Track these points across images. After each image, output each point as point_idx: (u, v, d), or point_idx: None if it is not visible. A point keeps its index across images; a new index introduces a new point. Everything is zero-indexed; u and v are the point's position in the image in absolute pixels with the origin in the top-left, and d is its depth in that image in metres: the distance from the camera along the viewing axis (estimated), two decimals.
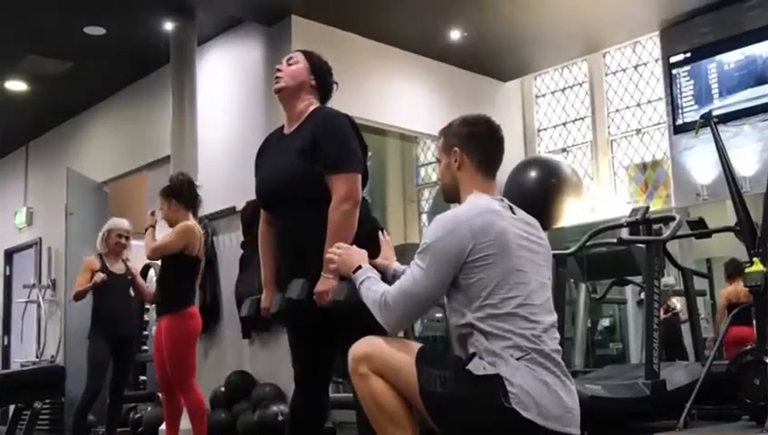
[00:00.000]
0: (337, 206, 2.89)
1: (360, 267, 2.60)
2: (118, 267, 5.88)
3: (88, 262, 5.88)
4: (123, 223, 6.00)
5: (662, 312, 6.60)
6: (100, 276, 5.67)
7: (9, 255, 11.47)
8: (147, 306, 8.30)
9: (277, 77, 3.16)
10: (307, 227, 2.95)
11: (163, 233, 5.03)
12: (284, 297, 2.97)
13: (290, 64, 3.18)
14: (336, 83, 3.33)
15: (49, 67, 8.47)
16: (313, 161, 2.94)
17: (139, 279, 6.03)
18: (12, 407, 3.10)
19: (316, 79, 3.20)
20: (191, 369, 4.94)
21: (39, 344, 9.92)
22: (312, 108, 3.15)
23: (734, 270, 6.99)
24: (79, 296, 5.78)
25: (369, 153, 11.44)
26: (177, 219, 4.92)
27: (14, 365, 10.13)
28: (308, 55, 3.23)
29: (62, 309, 8.82)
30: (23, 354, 10.10)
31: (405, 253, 3.41)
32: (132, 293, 6.06)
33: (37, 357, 9.67)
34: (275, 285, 3.16)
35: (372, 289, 2.50)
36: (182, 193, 4.95)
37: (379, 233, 2.98)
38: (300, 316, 2.99)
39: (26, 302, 10.09)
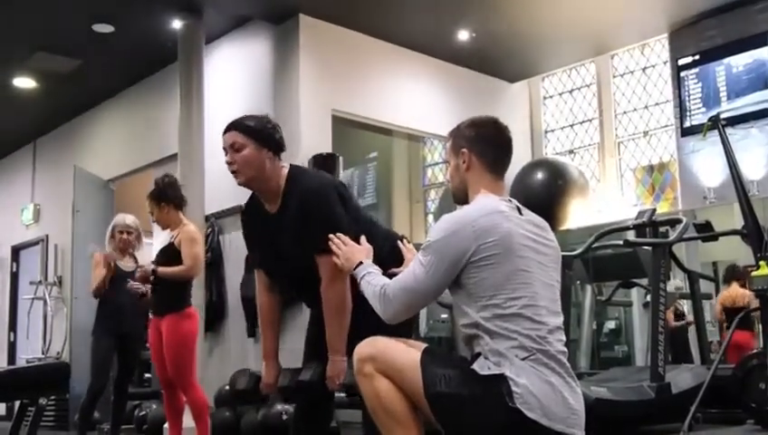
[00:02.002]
0: (328, 286, 2.88)
1: (361, 263, 2.62)
2: (125, 264, 5.87)
3: (99, 257, 5.87)
4: (124, 218, 5.94)
5: (672, 317, 6.60)
6: (112, 256, 5.65)
7: (16, 251, 11.50)
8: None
9: (233, 171, 2.97)
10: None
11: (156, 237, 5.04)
12: (297, 378, 2.98)
13: (237, 150, 2.95)
14: (280, 132, 3.04)
15: (57, 64, 8.49)
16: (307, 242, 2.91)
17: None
18: (17, 403, 3.10)
19: (268, 147, 2.97)
20: (192, 368, 4.96)
21: (45, 341, 9.95)
22: (283, 180, 3.00)
23: (730, 274, 6.99)
24: (99, 290, 5.77)
25: (375, 153, 11.41)
26: (169, 220, 4.98)
27: (20, 362, 10.16)
28: (246, 129, 2.96)
29: (68, 306, 8.84)
30: (29, 351, 10.13)
31: None
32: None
33: (43, 354, 9.70)
34: (276, 358, 3.15)
35: (372, 282, 2.52)
36: (169, 194, 4.99)
37: (399, 242, 2.99)
38: (308, 397, 3.01)
39: (32, 298, 10.12)
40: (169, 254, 4.94)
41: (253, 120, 2.98)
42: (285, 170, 3.01)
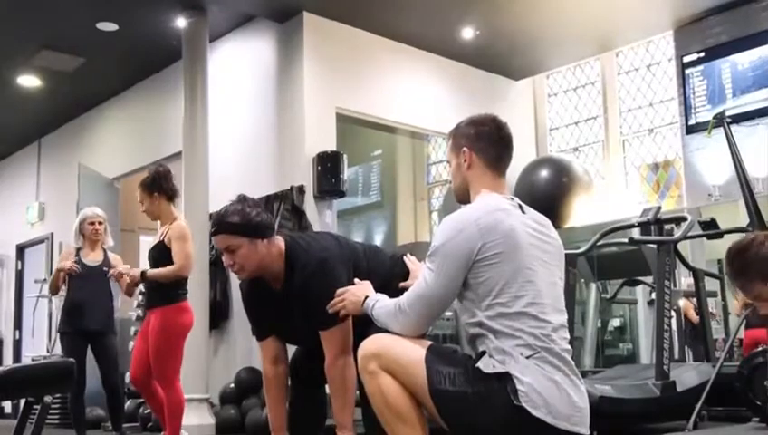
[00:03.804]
0: (333, 364, 2.95)
1: (366, 297, 2.60)
2: (92, 259, 5.78)
3: (64, 253, 5.81)
4: (93, 210, 5.85)
5: (694, 314, 6.54)
6: (68, 264, 5.53)
7: (21, 249, 11.53)
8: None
9: (235, 272, 3.04)
10: None
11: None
12: None
13: (232, 251, 2.99)
14: (263, 214, 3.07)
15: (62, 63, 8.50)
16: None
17: (124, 278, 5.40)
18: (22, 401, 3.11)
19: (260, 236, 3.00)
20: (176, 365, 4.77)
21: (50, 339, 9.95)
22: (282, 259, 3.04)
23: None
24: (51, 288, 5.73)
25: (380, 151, 11.40)
26: (160, 212, 4.85)
27: (25, 360, 10.17)
28: (234, 229, 2.99)
29: None
30: (33, 349, 10.14)
31: (415, 251, 3.40)
32: (112, 285, 5.81)
33: (48, 352, 9.70)
34: (284, 431, 3.17)
35: (384, 306, 2.51)
36: (162, 185, 4.86)
37: (404, 259, 3.00)
38: None
39: (37, 297, 10.12)
40: (161, 251, 4.76)
41: (236, 214, 2.98)
42: (282, 247, 3.04)
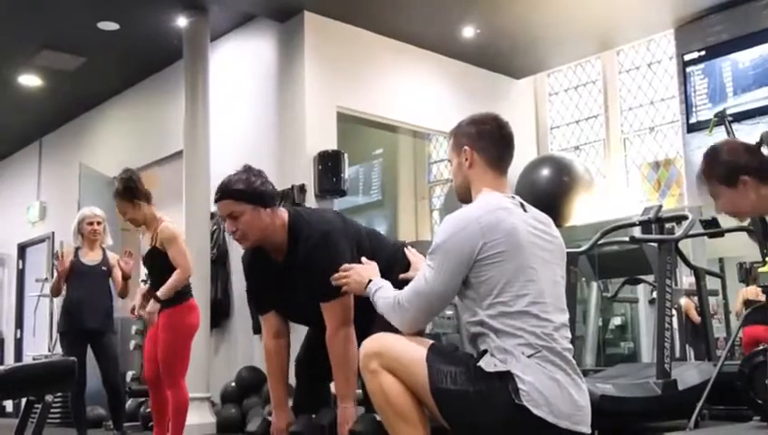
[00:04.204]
0: (334, 335, 2.95)
1: (370, 281, 2.62)
2: (91, 258, 5.78)
3: (66, 252, 5.81)
4: (92, 209, 5.86)
5: (696, 314, 6.54)
6: (63, 264, 5.54)
7: (22, 249, 11.54)
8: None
9: (237, 239, 3.02)
10: None
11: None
12: (311, 422, 3.02)
13: (235, 218, 2.98)
14: (269, 184, 3.09)
15: (63, 62, 8.51)
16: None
17: (116, 270, 5.78)
18: (24, 400, 3.11)
19: (264, 205, 3.00)
20: (184, 365, 4.80)
21: (51, 338, 9.96)
22: (285, 230, 3.03)
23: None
24: (53, 292, 5.73)
25: (381, 150, 11.40)
26: (144, 217, 4.78)
27: (27, 359, 10.18)
28: (238, 195, 3.00)
29: None
30: (35, 348, 10.15)
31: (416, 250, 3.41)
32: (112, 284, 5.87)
33: (49, 351, 9.71)
34: (286, 406, 3.18)
35: (385, 296, 2.52)
36: (139, 189, 4.79)
37: (405, 250, 3.00)
38: None
39: (39, 296, 10.13)
40: (155, 257, 4.75)
41: (240, 182, 2.99)
42: (285, 218, 3.03)
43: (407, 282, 2.55)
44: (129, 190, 4.74)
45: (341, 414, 2.95)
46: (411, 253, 2.98)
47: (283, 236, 3.01)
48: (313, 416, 3.09)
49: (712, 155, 2.91)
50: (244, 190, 2.97)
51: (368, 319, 2.63)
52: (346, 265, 2.72)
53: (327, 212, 3.24)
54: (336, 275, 2.70)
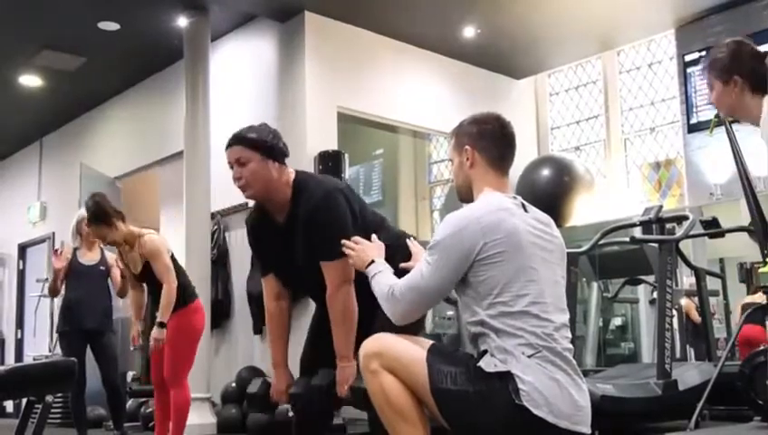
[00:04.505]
0: (333, 294, 2.93)
1: (372, 262, 2.62)
2: (89, 258, 5.77)
3: (65, 251, 5.82)
4: None
5: (696, 314, 6.54)
6: (60, 261, 5.54)
7: (22, 249, 11.54)
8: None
9: (241, 186, 3.01)
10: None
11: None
12: (309, 383, 3.00)
13: (242, 164, 2.99)
14: (282, 141, 3.11)
15: (63, 62, 8.51)
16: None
17: (114, 270, 5.80)
18: (24, 400, 3.11)
19: (273, 158, 3.01)
20: (188, 366, 4.87)
21: (52, 338, 9.95)
22: (289, 187, 3.03)
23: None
24: (51, 292, 5.73)
25: (381, 150, 11.40)
26: (122, 236, 4.77)
27: (27, 359, 10.18)
28: (249, 142, 3.01)
29: None
30: (35, 348, 10.15)
31: None
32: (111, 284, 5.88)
33: (50, 351, 9.71)
34: (286, 366, 3.17)
35: (382, 282, 2.53)
36: (111, 209, 4.81)
37: (408, 241, 3.00)
38: (319, 404, 3.01)
39: (39, 296, 10.12)
40: (148, 269, 4.79)
41: (254, 131, 3.02)
42: (291, 177, 3.03)
43: (406, 271, 2.56)
44: (101, 214, 4.78)
45: (340, 373, 2.92)
46: (414, 244, 2.98)
47: (286, 193, 3.00)
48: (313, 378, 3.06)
49: (728, 46, 3.01)
50: (256, 139, 2.99)
51: (373, 300, 2.61)
52: (356, 238, 2.73)
53: (334, 179, 3.23)
54: (345, 241, 2.71)
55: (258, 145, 2.98)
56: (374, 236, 2.81)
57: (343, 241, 2.73)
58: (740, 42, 3.07)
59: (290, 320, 3.23)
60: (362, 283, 2.73)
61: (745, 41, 3.09)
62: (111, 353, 5.74)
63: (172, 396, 4.76)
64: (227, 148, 3.03)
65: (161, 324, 4.69)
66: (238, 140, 3.01)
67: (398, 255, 2.88)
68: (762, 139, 3.00)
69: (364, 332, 2.75)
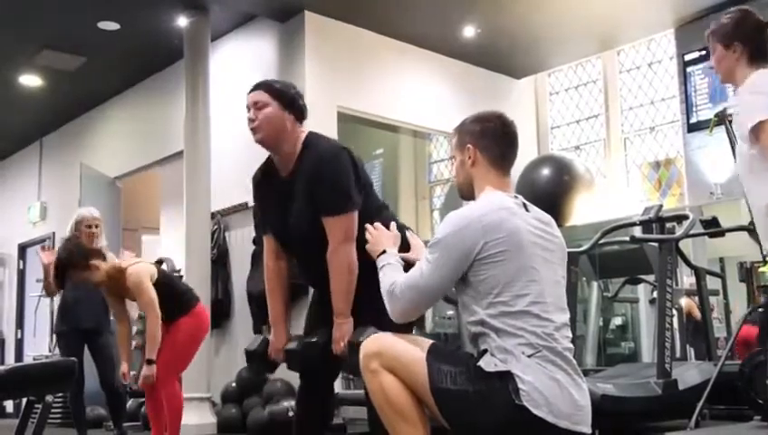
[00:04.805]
0: (335, 249, 2.92)
1: (384, 252, 2.63)
2: None
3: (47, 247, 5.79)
4: (89, 211, 5.81)
5: (697, 313, 6.54)
6: (47, 258, 5.45)
7: (23, 249, 11.53)
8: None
9: (252, 128, 3.04)
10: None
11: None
12: (305, 341, 2.98)
13: (259, 108, 3.03)
14: (303, 100, 3.17)
15: (63, 62, 8.51)
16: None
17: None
18: (24, 400, 3.11)
19: (291, 111, 3.07)
20: (182, 367, 4.88)
21: (51, 338, 9.95)
22: (300, 143, 3.08)
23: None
24: (45, 289, 5.71)
25: (381, 150, 11.37)
26: (107, 275, 4.70)
27: (27, 359, 10.18)
28: (272, 90, 3.07)
29: None
30: (35, 348, 10.15)
31: None
32: None
33: (50, 351, 9.71)
34: (284, 323, 3.16)
35: (386, 277, 2.54)
36: (86, 253, 4.75)
37: (407, 233, 3.00)
38: (315, 361, 2.99)
39: (39, 296, 10.10)
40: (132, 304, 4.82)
41: (278, 83, 3.11)
42: (303, 136, 3.10)
43: (408, 263, 2.60)
44: (77, 259, 4.69)
45: (337, 330, 2.90)
46: (413, 236, 2.98)
47: (295, 148, 3.05)
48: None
49: (734, 14, 3.20)
50: (279, 89, 3.07)
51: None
52: (378, 224, 2.76)
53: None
54: (367, 226, 2.76)
55: (279, 94, 3.05)
56: (393, 225, 2.82)
57: (366, 226, 2.76)
58: (746, 11, 3.22)
59: (288, 280, 3.23)
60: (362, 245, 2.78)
61: (751, 10, 3.23)
62: (108, 353, 5.73)
63: (164, 397, 4.73)
64: (250, 91, 3.10)
65: (149, 362, 4.62)
66: (262, 85, 3.09)
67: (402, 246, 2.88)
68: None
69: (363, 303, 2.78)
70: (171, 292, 4.85)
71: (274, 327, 3.17)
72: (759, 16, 3.22)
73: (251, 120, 3.03)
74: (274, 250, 3.17)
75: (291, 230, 3.06)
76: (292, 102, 3.07)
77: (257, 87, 3.08)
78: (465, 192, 2.62)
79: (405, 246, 2.87)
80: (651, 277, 6.05)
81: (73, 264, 4.68)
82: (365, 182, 3.08)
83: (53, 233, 10.55)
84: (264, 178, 3.21)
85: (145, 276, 4.69)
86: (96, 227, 5.71)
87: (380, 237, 2.72)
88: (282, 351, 3.12)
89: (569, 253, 2.79)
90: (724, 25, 3.18)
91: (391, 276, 2.52)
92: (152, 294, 4.66)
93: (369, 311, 2.73)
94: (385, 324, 2.55)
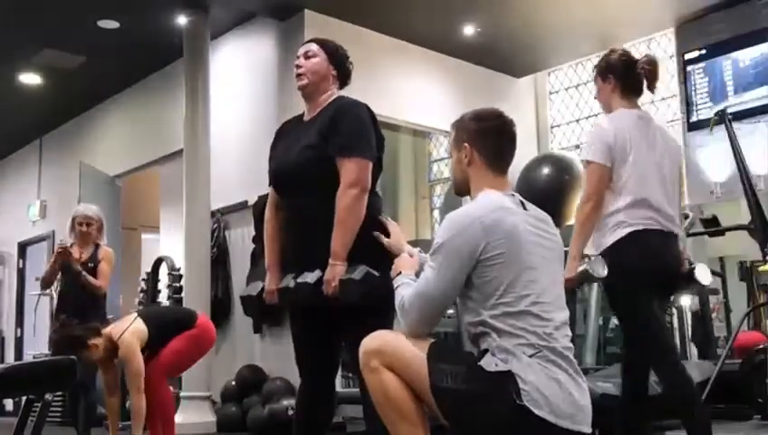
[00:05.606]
0: (345, 190, 2.91)
1: (400, 273, 2.62)
2: (82, 256, 5.75)
3: (57, 247, 5.80)
4: (86, 208, 5.80)
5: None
6: (64, 255, 5.46)
7: (22, 247, 11.54)
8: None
9: (298, 74, 3.16)
10: (318, 211, 2.95)
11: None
12: (296, 280, 2.97)
13: (308, 57, 3.17)
14: (351, 64, 3.36)
15: (63, 61, 8.51)
16: (327, 145, 2.97)
17: (102, 264, 5.65)
18: (23, 398, 3.11)
19: (336, 68, 3.23)
20: (176, 373, 5.01)
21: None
22: (332, 97, 3.19)
23: None
24: (44, 282, 5.71)
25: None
26: (107, 350, 4.73)
27: (27, 357, 10.18)
28: (324, 45, 3.23)
29: None
30: (35, 346, 10.14)
31: None
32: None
33: (49, 349, 9.72)
34: (280, 267, 3.14)
35: (399, 293, 2.52)
36: (82, 337, 4.72)
37: (381, 218, 2.99)
38: (307, 300, 2.95)
39: (39, 294, 10.10)
40: (155, 342, 4.84)
41: (333, 42, 3.28)
42: (337, 94, 3.23)
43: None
44: (75, 343, 4.67)
45: (329, 271, 2.87)
46: (389, 222, 2.96)
47: (327, 96, 3.18)
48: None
49: (614, 52, 3.73)
50: (332, 45, 3.25)
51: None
52: (410, 250, 2.80)
53: None
54: (385, 239, 2.84)
55: (329, 49, 3.22)
56: (415, 251, 2.83)
57: (387, 219, 2.87)
58: (624, 52, 3.81)
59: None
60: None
61: (628, 53, 3.74)
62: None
63: (155, 401, 4.74)
64: (304, 44, 3.24)
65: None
66: (317, 40, 3.26)
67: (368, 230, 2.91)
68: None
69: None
70: (168, 328, 4.90)
71: (270, 271, 3.17)
72: (629, 54, 3.79)
73: (297, 67, 3.16)
74: (276, 202, 3.21)
75: (290, 162, 3.08)
76: (339, 61, 3.25)
77: (312, 41, 3.24)
78: (462, 189, 2.61)
79: (385, 234, 2.89)
80: None
81: (71, 346, 4.62)
82: (380, 145, 3.15)
83: (53, 231, 10.55)
84: (285, 127, 3.34)
85: (136, 347, 4.69)
86: (89, 225, 5.66)
87: (402, 261, 2.70)
88: (275, 292, 3.10)
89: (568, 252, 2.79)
90: (604, 60, 3.73)
91: (401, 292, 2.51)
92: (139, 364, 4.65)
93: (363, 258, 2.82)
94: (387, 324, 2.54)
